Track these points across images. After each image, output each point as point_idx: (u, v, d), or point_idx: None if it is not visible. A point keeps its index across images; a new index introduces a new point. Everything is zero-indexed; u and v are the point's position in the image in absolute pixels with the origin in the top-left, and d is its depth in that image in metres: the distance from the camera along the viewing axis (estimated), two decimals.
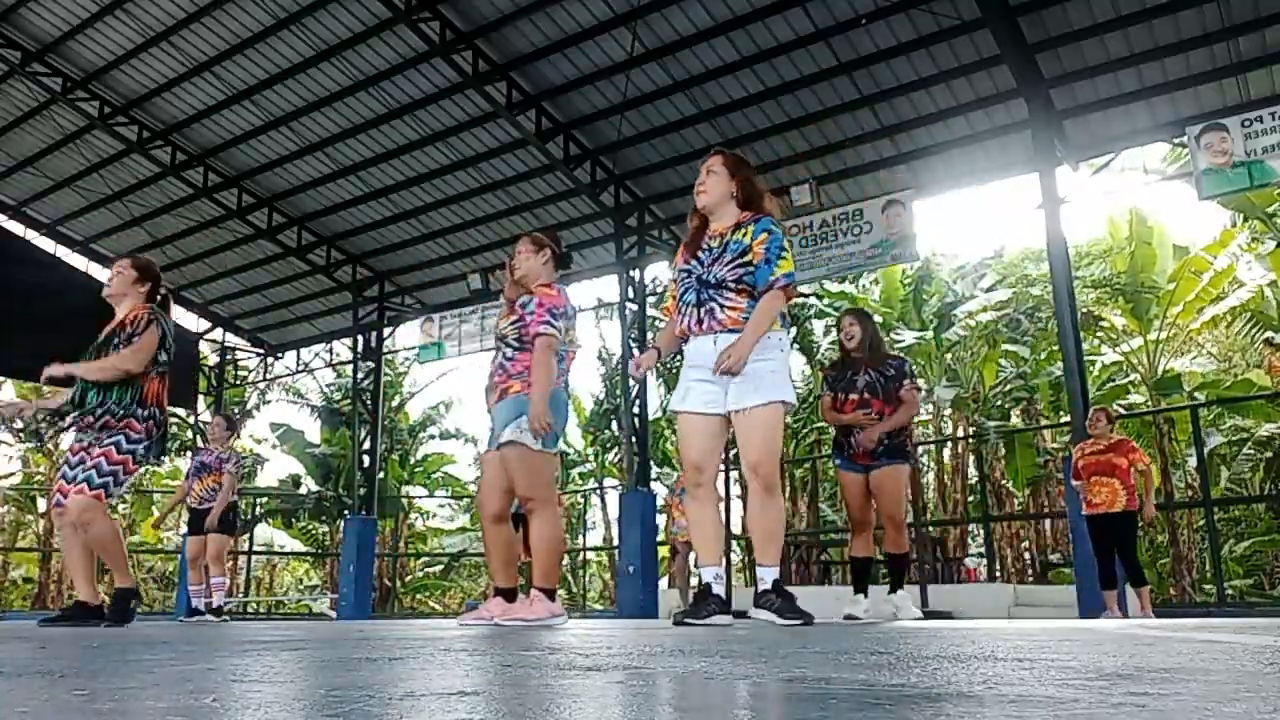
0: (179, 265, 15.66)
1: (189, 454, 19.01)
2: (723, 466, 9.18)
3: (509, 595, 4.03)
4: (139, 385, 4.10)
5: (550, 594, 3.85)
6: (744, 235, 3.38)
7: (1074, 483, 7.52)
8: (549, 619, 3.73)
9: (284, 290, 16.20)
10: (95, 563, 4.27)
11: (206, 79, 12.24)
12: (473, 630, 3.35)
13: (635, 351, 12.57)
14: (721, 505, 3.69)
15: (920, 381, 5.23)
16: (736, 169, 3.51)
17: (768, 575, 3.36)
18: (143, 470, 4.24)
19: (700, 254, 3.45)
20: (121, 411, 4.04)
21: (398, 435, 22.74)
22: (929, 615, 8.09)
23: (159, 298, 4.32)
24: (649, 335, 13.64)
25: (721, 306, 3.34)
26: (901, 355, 5.17)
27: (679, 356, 3.60)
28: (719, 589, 3.40)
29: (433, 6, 10.32)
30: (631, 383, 12.50)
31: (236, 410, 20.72)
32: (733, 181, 3.48)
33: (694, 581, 9.60)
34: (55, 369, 4.01)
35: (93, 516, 3.99)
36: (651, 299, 13.46)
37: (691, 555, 9.49)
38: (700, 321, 3.37)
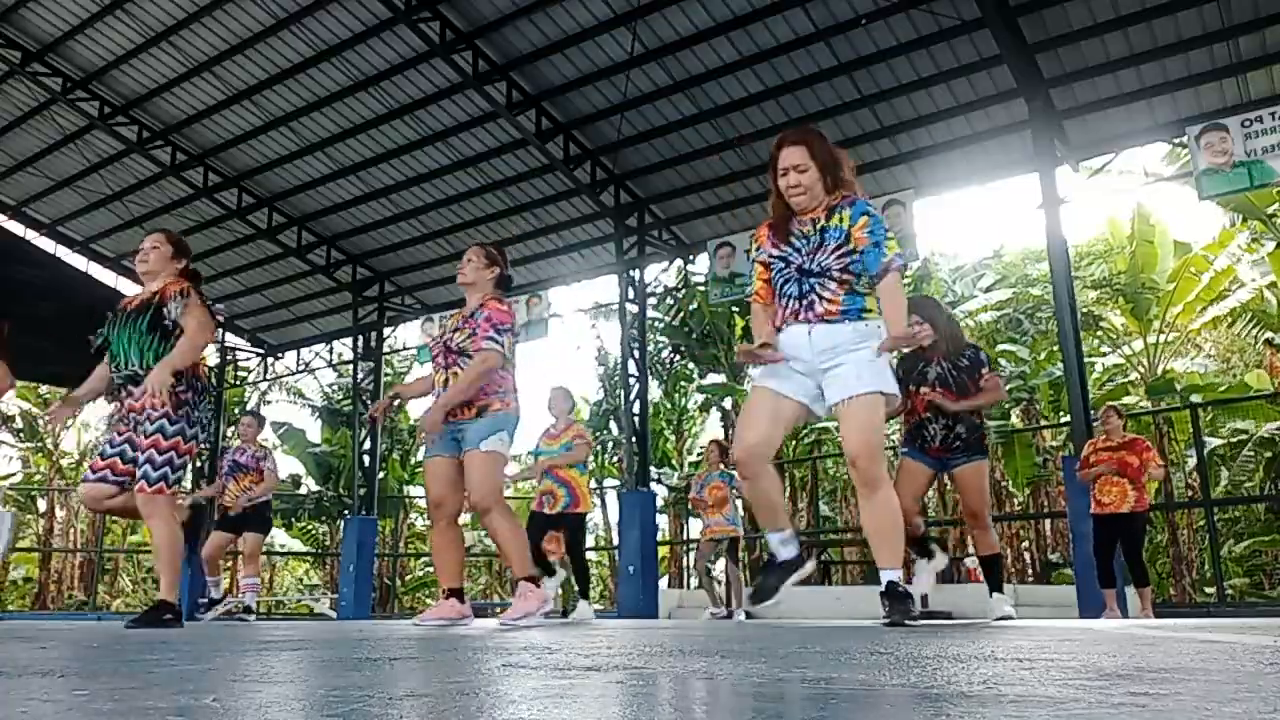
0: None
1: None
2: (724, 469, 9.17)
3: (461, 595, 4.14)
4: None
5: (534, 580, 4.02)
6: (840, 220, 3.23)
7: (1080, 474, 7.41)
8: (546, 605, 3.93)
9: (284, 290, 16.20)
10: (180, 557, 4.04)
11: (206, 79, 12.24)
12: (472, 631, 3.35)
13: (635, 351, 12.57)
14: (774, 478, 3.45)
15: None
16: (816, 153, 3.29)
17: (884, 577, 3.20)
18: (197, 447, 4.09)
19: (794, 240, 3.30)
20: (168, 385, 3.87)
21: (398, 435, 22.74)
22: (929, 615, 8.08)
23: (191, 270, 4.27)
24: (649, 335, 13.65)
25: (821, 298, 3.20)
26: (976, 344, 4.89)
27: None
28: (785, 551, 3.30)
29: (433, 6, 10.32)
30: (632, 383, 12.50)
31: (238, 410, 20.72)
32: (822, 173, 3.28)
33: (719, 575, 9.49)
34: (155, 377, 3.80)
35: (154, 511, 3.85)
36: (651, 299, 13.47)
37: (724, 551, 9.21)
38: (799, 313, 3.23)
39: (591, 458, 22.79)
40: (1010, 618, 4.58)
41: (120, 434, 3.98)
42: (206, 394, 4.11)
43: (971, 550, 18.16)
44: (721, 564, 9.43)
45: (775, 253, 3.32)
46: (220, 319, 4.19)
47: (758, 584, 3.29)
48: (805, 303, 3.22)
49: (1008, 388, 17.39)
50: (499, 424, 3.99)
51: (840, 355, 3.15)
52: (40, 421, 23.48)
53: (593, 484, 23.00)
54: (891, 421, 4.74)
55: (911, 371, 4.70)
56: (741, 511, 8.98)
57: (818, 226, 3.26)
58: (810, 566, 3.28)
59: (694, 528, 18.56)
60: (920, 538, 4.77)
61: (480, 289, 4.21)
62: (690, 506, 9.86)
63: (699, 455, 18.80)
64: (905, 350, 4.75)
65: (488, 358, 3.97)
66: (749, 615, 3.34)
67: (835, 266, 3.19)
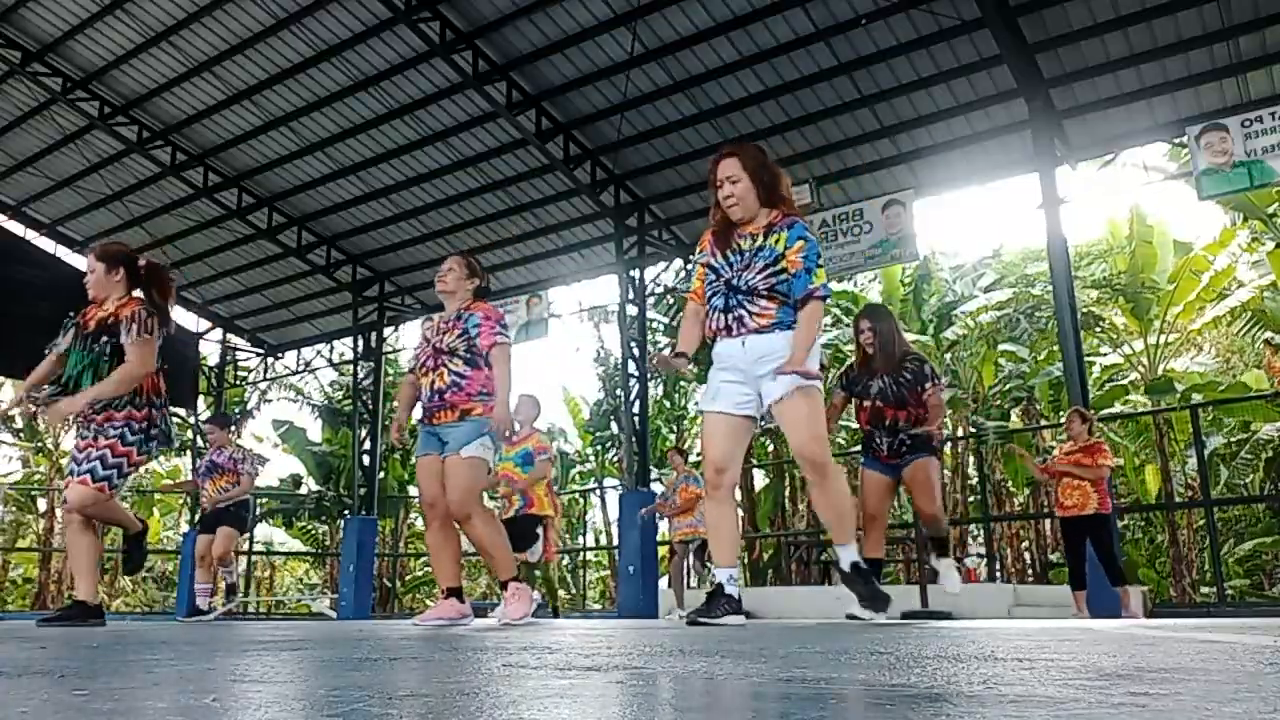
0: (179, 265, 15.64)
1: (189, 454, 19.02)
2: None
3: (460, 595, 4.17)
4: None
5: (519, 579, 4.13)
6: (776, 242, 3.34)
7: (1045, 476, 7.66)
8: (536, 604, 4.03)
9: (284, 290, 16.20)
10: (98, 562, 4.25)
11: (206, 79, 12.24)
12: (473, 630, 3.35)
13: (635, 351, 12.57)
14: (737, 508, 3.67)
15: (944, 380, 5.02)
16: (754, 168, 3.41)
17: (844, 555, 3.38)
18: (147, 463, 4.23)
19: (729, 254, 3.41)
20: (120, 403, 4.02)
21: None
22: (929, 615, 8.08)
23: (141, 272, 4.23)
24: (648, 336, 13.65)
25: (750, 313, 3.34)
26: (921, 355, 4.97)
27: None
28: (732, 589, 3.39)
29: (433, 6, 10.32)
30: (632, 383, 12.50)
31: (238, 410, 20.71)
32: (753, 181, 3.40)
33: (692, 580, 9.61)
34: (69, 405, 3.94)
35: (95, 509, 4.01)
36: (651, 299, 13.47)
37: (689, 555, 9.52)
38: (728, 327, 3.37)
39: (589, 461, 22.74)
40: (956, 593, 4.99)
41: (81, 450, 4.06)
42: (167, 412, 4.20)
43: (972, 550, 18.18)
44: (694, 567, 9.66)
45: (712, 264, 3.47)
46: (170, 312, 4.16)
47: (702, 605, 3.42)
48: (733, 317, 3.36)
49: (1007, 388, 17.42)
50: (480, 429, 4.02)
51: (773, 361, 3.27)
52: (40, 421, 23.48)
53: (593, 483, 23.06)
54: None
55: (856, 383, 4.87)
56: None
57: (754, 243, 3.38)
58: (742, 621, 3.36)
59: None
60: (877, 564, 4.87)
61: (459, 297, 4.28)
62: (659, 512, 10.04)
63: (697, 456, 18.82)
64: (852, 361, 5.04)
65: (504, 352, 4.09)
66: (690, 621, 3.40)
67: (762, 286, 3.33)
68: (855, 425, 5.39)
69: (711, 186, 3.49)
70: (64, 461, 24.63)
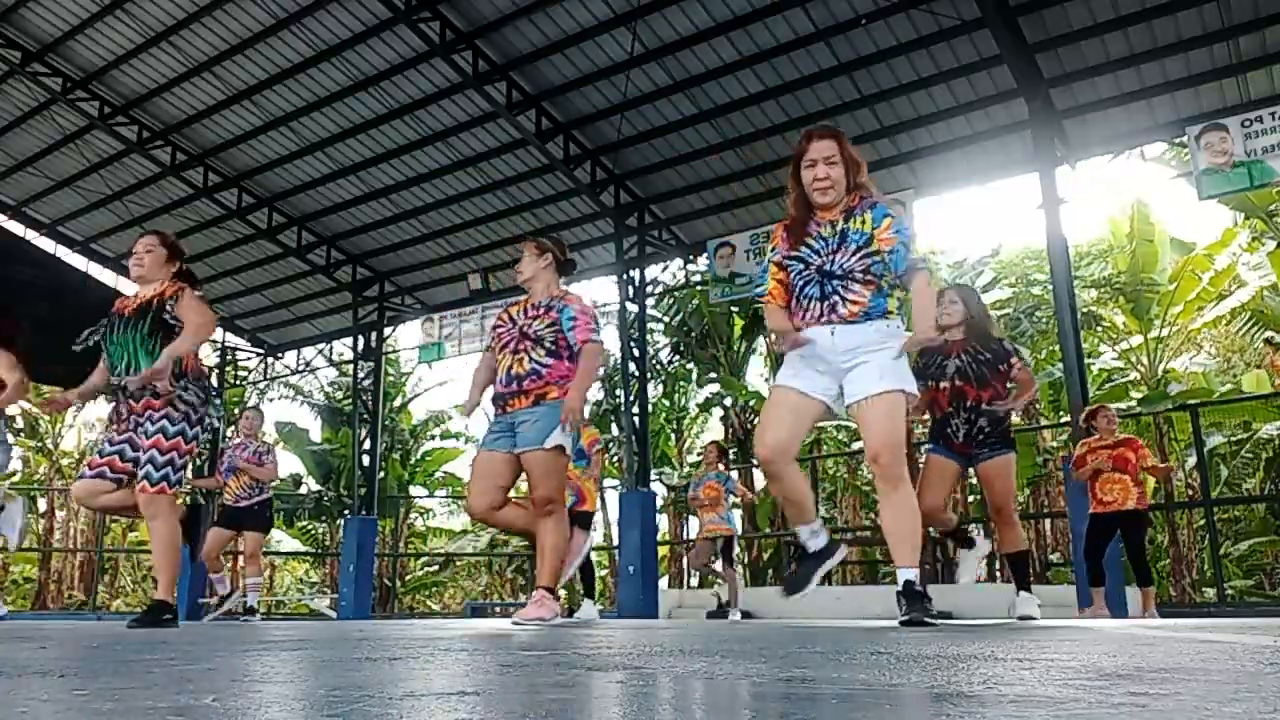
0: None
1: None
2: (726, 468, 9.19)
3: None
4: (180, 360, 3.97)
5: (554, 593, 3.95)
6: (861, 224, 3.22)
7: (1076, 472, 7.28)
8: (557, 618, 3.87)
9: (284, 290, 16.19)
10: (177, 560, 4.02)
11: (206, 79, 12.23)
12: (471, 631, 3.35)
13: (635, 351, 12.57)
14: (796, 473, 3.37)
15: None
16: (845, 149, 3.30)
17: (902, 575, 3.19)
18: (198, 447, 4.09)
19: (812, 242, 3.28)
20: (166, 385, 3.89)
21: (399, 435, 22.74)
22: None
23: (185, 270, 4.25)
24: (648, 336, 13.65)
25: (844, 300, 3.19)
26: (1003, 337, 4.72)
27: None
28: (815, 542, 3.32)
29: (433, 6, 10.31)
30: (632, 383, 12.49)
31: (238, 410, 20.71)
32: (846, 169, 3.29)
33: (724, 577, 9.50)
34: (150, 373, 3.79)
35: (158, 511, 3.85)
36: (651, 300, 13.46)
37: (717, 550, 9.27)
38: (821, 316, 3.23)
39: (604, 460, 22.80)
40: (1033, 618, 4.47)
41: (120, 433, 3.96)
42: (210, 395, 4.10)
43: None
44: (719, 564, 9.48)
45: (792, 254, 3.32)
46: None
47: (790, 575, 3.32)
48: (828, 304, 3.22)
49: (1007, 387, 17.40)
50: (558, 414, 3.90)
51: (863, 355, 3.16)
52: (41, 421, 23.49)
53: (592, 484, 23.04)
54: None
55: (930, 366, 4.59)
56: (739, 512, 9.10)
57: (837, 229, 3.26)
58: (842, 552, 3.32)
59: (694, 527, 18.53)
60: (957, 529, 4.75)
61: (541, 279, 4.18)
62: (689, 505, 9.96)
63: (699, 455, 18.81)
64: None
65: (598, 351, 4.03)
66: (745, 615, 3.36)
67: (858, 268, 3.19)
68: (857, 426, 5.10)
69: (794, 170, 3.34)
70: (64, 462, 24.65)
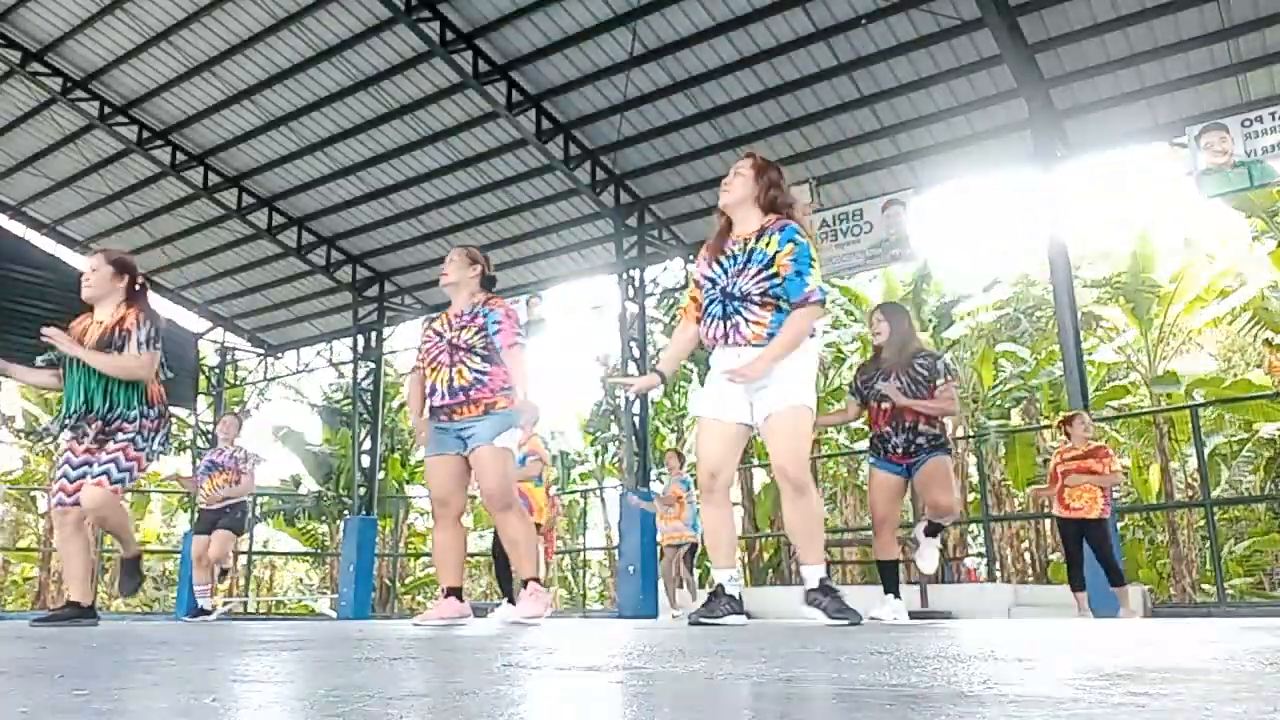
0: (179, 265, 15.66)
1: (188, 454, 19.01)
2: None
3: (460, 594, 4.17)
4: (143, 387, 4.13)
5: (539, 581, 4.09)
6: (767, 245, 3.34)
7: (1051, 488, 7.39)
8: (549, 608, 4.03)
9: (284, 290, 16.19)
10: (92, 563, 4.29)
11: (206, 79, 12.24)
12: (472, 631, 3.35)
13: (635, 351, 12.57)
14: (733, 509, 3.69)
15: (958, 375, 4.91)
16: (763, 172, 3.47)
17: (811, 574, 3.36)
18: (149, 466, 4.26)
19: (723, 260, 3.43)
20: (133, 414, 4.08)
21: (398, 435, 22.73)
22: (929, 615, 8.09)
23: (138, 287, 4.26)
24: (648, 336, 13.64)
25: (746, 321, 3.33)
26: (934, 352, 4.89)
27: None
28: (733, 590, 3.39)
29: (433, 6, 10.31)
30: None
31: (238, 410, 20.71)
32: (757, 184, 3.45)
33: (683, 581, 9.61)
34: (58, 336, 3.97)
35: (111, 509, 4.05)
36: (650, 299, 13.46)
37: (676, 557, 9.51)
38: (725, 335, 3.38)
39: (588, 461, 22.69)
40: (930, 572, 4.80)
41: (77, 455, 4.07)
42: (165, 421, 4.24)
43: (971, 550, 18.18)
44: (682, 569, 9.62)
45: (707, 273, 3.48)
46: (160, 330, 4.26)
47: (703, 605, 3.43)
48: (730, 324, 3.37)
49: (1008, 388, 17.41)
50: (508, 421, 4.03)
51: (770, 377, 3.27)
52: (40, 421, 23.47)
53: (593, 483, 23.06)
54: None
55: (869, 383, 4.78)
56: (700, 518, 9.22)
57: (746, 248, 3.39)
58: (741, 621, 3.37)
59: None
60: (892, 565, 4.82)
61: (465, 287, 4.26)
62: (653, 510, 10.11)
63: (696, 457, 18.84)
64: (866, 360, 5.01)
65: (522, 352, 4.12)
66: (692, 621, 3.41)
67: (755, 291, 3.33)
68: (857, 425, 5.30)
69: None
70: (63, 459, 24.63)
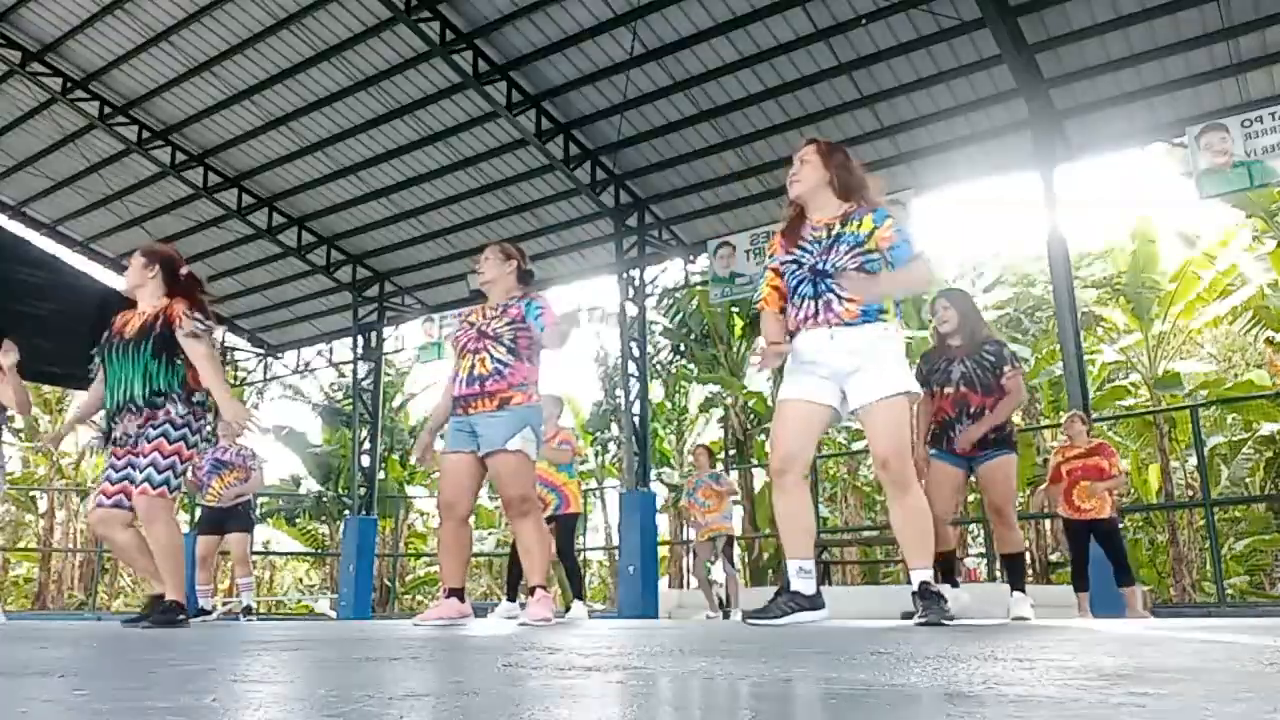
0: None
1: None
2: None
3: (462, 595, 4.14)
4: (182, 373, 4.00)
5: (545, 588, 4.05)
6: (858, 227, 3.22)
7: (1052, 488, 7.35)
8: (555, 614, 4.02)
9: (284, 290, 16.19)
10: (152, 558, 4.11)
11: (206, 79, 12.23)
12: (473, 631, 3.35)
13: (635, 351, 12.56)
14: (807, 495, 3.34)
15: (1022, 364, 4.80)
16: (830, 155, 3.36)
17: (916, 576, 3.19)
18: (197, 456, 4.14)
19: (805, 244, 3.29)
20: (176, 396, 3.93)
21: (398, 435, 22.74)
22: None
23: (182, 278, 4.19)
24: (648, 336, 13.65)
25: (839, 298, 3.17)
26: (1001, 340, 4.73)
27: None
28: (801, 584, 3.17)
29: (433, 6, 10.31)
30: (632, 383, 12.49)
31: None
32: (827, 169, 3.33)
33: (719, 577, 9.48)
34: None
35: (158, 515, 3.86)
36: (651, 300, 13.45)
37: (719, 550, 9.22)
38: (816, 314, 3.22)
39: (588, 461, 22.66)
40: (1027, 618, 4.47)
41: (120, 457, 3.97)
42: (207, 410, 4.14)
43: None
44: (719, 565, 9.42)
45: (786, 257, 3.34)
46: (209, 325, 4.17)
47: (768, 602, 3.20)
48: (822, 302, 3.22)
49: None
50: (523, 418, 3.94)
51: (863, 358, 3.15)
52: (40, 421, 23.47)
53: (593, 483, 23.07)
54: None
55: (935, 370, 4.61)
56: (739, 510, 9.09)
57: (831, 232, 3.27)
58: (824, 615, 3.17)
59: (693, 530, 18.56)
60: (949, 555, 4.68)
61: (502, 284, 4.22)
62: (683, 514, 9.94)
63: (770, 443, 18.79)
64: (930, 348, 4.79)
65: (566, 330, 4.04)
66: (746, 617, 3.28)
67: (850, 266, 3.18)
68: (858, 426, 5.09)
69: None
70: (64, 461, 24.65)
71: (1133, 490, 16.13)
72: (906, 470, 3.17)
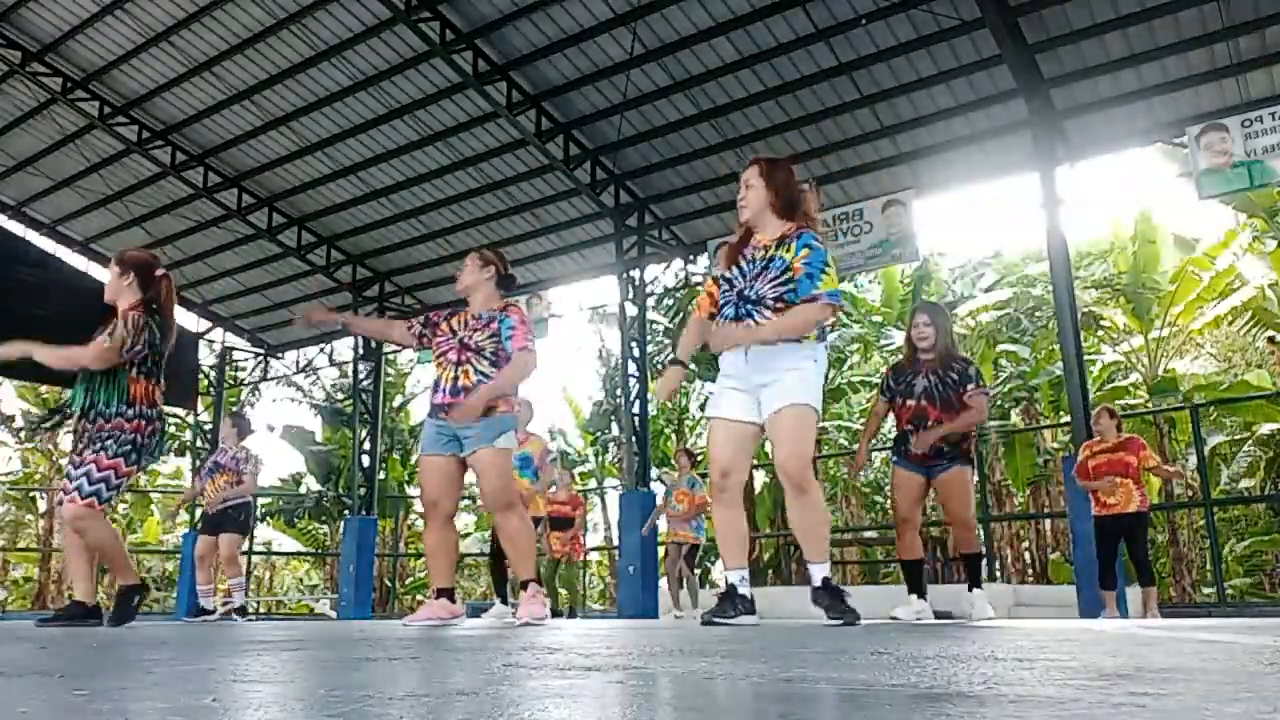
0: (179, 265, 15.62)
1: (189, 455, 19.02)
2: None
3: (452, 595, 4.16)
4: (124, 385, 4.00)
5: (538, 582, 4.10)
6: (786, 252, 3.40)
7: (1081, 482, 7.33)
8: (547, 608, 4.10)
9: (284, 290, 16.19)
10: (94, 564, 4.26)
11: (206, 79, 12.23)
12: (471, 631, 3.35)
13: (635, 351, 12.57)
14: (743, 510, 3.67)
15: (986, 387, 4.93)
16: (771, 176, 3.52)
17: (816, 572, 3.39)
18: (138, 471, 4.17)
19: (742, 264, 3.49)
20: (110, 413, 3.97)
21: (398, 435, 22.74)
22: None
23: (157, 280, 4.19)
24: (648, 336, 13.65)
25: (757, 323, 3.38)
26: (967, 358, 4.95)
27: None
28: (744, 590, 3.40)
29: (433, 6, 10.31)
30: (632, 383, 12.50)
31: (236, 410, 20.69)
32: (768, 190, 3.50)
33: (685, 580, 9.64)
34: (9, 348, 3.98)
35: (86, 525, 3.95)
36: (651, 299, 13.46)
37: (682, 555, 9.56)
38: None
39: (588, 461, 22.73)
40: (990, 615, 4.63)
41: (75, 457, 4.05)
42: (159, 424, 4.14)
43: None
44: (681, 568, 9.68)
45: (725, 274, 3.55)
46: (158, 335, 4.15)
47: (716, 605, 3.43)
48: (742, 326, 3.42)
49: (1008, 388, 17.41)
50: (505, 424, 4.05)
51: (775, 374, 3.33)
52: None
53: (593, 483, 23.07)
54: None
55: (901, 382, 4.81)
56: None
57: (766, 255, 3.45)
58: (753, 621, 3.37)
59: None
60: (917, 565, 4.82)
61: (481, 290, 4.27)
62: (657, 518, 10.17)
63: (699, 456, 18.84)
64: (900, 360, 5.04)
65: (529, 360, 4.09)
66: (705, 621, 3.40)
67: (770, 295, 3.38)
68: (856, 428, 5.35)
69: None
70: (63, 461, 24.65)
71: None
72: (805, 474, 3.38)
